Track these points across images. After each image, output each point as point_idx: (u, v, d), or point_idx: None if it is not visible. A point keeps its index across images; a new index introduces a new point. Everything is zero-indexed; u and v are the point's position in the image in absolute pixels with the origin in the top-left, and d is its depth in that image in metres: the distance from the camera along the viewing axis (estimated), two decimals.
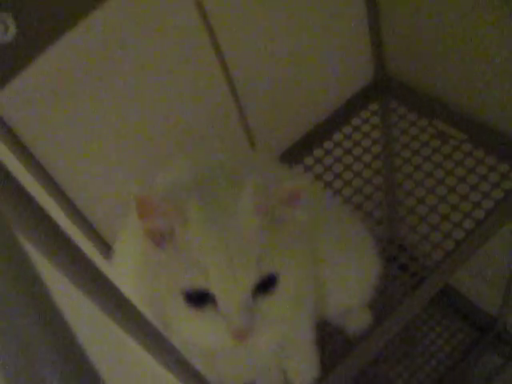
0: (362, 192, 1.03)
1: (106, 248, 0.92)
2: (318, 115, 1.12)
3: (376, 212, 1.01)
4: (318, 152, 1.08)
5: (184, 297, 0.56)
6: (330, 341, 0.91)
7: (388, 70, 1.15)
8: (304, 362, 0.85)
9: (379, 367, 1.42)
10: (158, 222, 0.55)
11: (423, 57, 1.09)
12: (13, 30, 0.37)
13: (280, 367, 0.84)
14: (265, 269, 0.56)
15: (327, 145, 1.09)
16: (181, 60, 0.87)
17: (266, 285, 0.57)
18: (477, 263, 1.33)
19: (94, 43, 0.76)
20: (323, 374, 0.85)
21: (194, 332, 0.58)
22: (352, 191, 1.03)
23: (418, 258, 0.96)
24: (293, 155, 1.08)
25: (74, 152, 0.85)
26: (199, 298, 0.56)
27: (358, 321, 0.91)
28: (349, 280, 0.81)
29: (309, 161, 1.07)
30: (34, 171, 0.80)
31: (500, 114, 1.01)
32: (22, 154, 0.77)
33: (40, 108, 0.76)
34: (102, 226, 0.92)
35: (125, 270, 0.64)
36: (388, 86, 1.15)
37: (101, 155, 0.87)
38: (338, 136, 1.11)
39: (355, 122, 1.12)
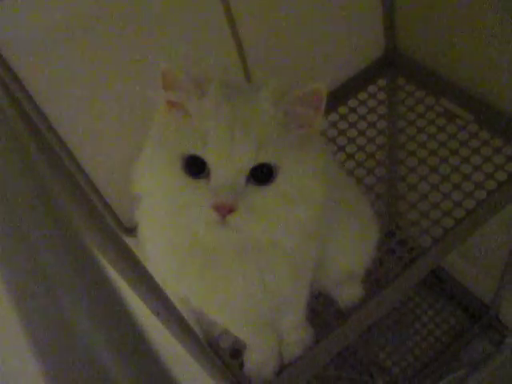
0: (364, 166, 1.02)
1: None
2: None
3: (377, 187, 1.00)
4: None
5: (182, 163, 0.57)
6: (323, 312, 0.91)
7: (399, 47, 1.14)
8: (298, 330, 0.85)
9: (369, 347, 1.42)
10: (177, 93, 0.58)
11: (434, 35, 1.07)
12: None
13: (274, 335, 0.84)
14: (264, 156, 0.56)
15: (332, 117, 1.08)
16: (195, 27, 0.86)
17: (263, 178, 0.57)
18: (473, 250, 1.33)
19: None
20: (315, 343, 0.85)
21: (182, 203, 0.57)
22: (354, 164, 1.02)
23: (415, 236, 0.95)
24: None
25: (79, 107, 0.84)
26: (195, 169, 0.57)
27: (350, 294, 0.91)
28: (350, 244, 0.81)
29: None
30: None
31: (508, 96, 1.00)
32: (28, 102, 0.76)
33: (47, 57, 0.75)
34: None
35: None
36: (397, 63, 1.14)
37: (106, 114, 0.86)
38: (343, 109, 1.09)
39: (362, 96, 1.11)
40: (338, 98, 1.11)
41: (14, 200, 0.34)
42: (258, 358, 0.84)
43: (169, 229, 0.62)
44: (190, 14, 0.86)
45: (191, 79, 0.58)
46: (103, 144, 0.91)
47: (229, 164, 0.55)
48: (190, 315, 0.76)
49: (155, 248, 0.67)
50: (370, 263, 0.87)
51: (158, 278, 0.52)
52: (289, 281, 0.67)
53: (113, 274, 0.38)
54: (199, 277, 0.64)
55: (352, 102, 1.10)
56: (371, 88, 1.12)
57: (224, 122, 0.56)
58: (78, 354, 0.30)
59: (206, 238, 0.59)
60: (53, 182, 0.39)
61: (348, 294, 0.90)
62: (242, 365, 0.86)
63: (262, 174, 0.57)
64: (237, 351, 0.87)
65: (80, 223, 0.42)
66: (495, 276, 1.33)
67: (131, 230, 0.95)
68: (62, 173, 0.40)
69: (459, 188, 0.95)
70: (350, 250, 0.82)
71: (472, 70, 1.04)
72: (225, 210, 0.55)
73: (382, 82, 1.13)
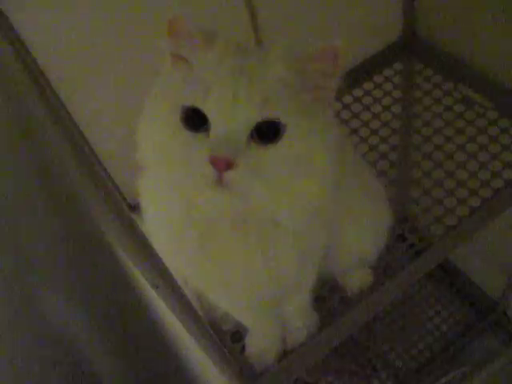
0: (377, 150, 0.99)
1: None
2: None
3: (390, 172, 0.97)
4: (336, 105, 1.04)
5: (181, 115, 0.53)
6: (328, 298, 0.88)
7: (417, 30, 1.11)
8: (302, 316, 0.82)
9: (373, 340, 1.39)
10: (183, 43, 0.54)
11: (453, 19, 1.04)
12: None
13: (277, 320, 0.82)
14: (270, 113, 0.52)
15: (346, 99, 1.05)
16: None
17: (268, 137, 0.53)
18: (484, 245, 1.30)
19: None
20: (319, 330, 0.82)
21: (179, 159, 0.54)
22: (367, 148, 0.99)
23: (427, 224, 0.92)
24: None
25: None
26: (195, 123, 0.53)
27: (359, 280, 0.88)
28: (363, 229, 0.78)
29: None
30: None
31: None
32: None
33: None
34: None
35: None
36: (415, 46, 1.11)
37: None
38: (358, 91, 1.06)
39: (378, 78, 1.08)
40: (353, 80, 1.07)
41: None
42: (260, 342, 0.82)
43: (167, 196, 0.59)
44: None
45: (199, 30, 0.55)
46: (107, 119, 0.88)
47: (230, 117, 0.51)
48: (191, 295, 0.73)
49: (153, 221, 0.64)
50: (382, 248, 0.84)
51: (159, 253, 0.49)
52: (293, 263, 0.63)
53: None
54: (197, 251, 0.61)
55: (367, 85, 1.07)
56: (387, 71, 1.09)
57: (228, 73, 0.52)
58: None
59: (203, 205, 0.56)
60: (61, 153, 0.37)
61: (357, 280, 0.88)
62: (243, 349, 0.83)
63: (266, 132, 0.53)
64: (239, 334, 0.85)
65: (84, 193, 0.40)
66: (505, 272, 1.30)
67: (134, 208, 0.92)
68: (69, 146, 0.38)
69: (475, 176, 0.92)
70: (363, 235, 0.79)
71: (492, 56, 1.01)
72: (222, 165, 0.50)
73: (398, 66, 1.10)
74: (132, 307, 0.31)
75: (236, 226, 0.59)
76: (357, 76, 1.08)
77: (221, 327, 0.85)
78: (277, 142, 0.53)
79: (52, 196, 0.31)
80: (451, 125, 0.99)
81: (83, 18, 0.77)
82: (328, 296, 0.88)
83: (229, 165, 0.50)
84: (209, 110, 0.52)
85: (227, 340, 0.85)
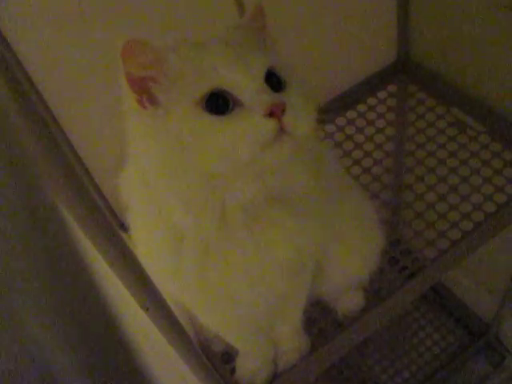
0: (370, 172, 0.99)
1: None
2: (334, 90, 1.08)
3: (382, 194, 0.97)
4: (329, 127, 1.05)
5: (204, 108, 0.53)
6: (320, 321, 0.88)
7: (411, 53, 1.12)
8: (294, 338, 0.82)
9: (365, 361, 1.39)
10: (146, 60, 0.53)
11: (448, 44, 1.05)
12: None
13: (269, 342, 0.81)
14: (268, 61, 0.55)
15: (340, 121, 1.06)
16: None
17: (277, 85, 0.56)
18: (476, 266, 1.30)
19: None
20: (311, 352, 0.82)
21: (220, 147, 0.53)
22: (361, 170, 0.99)
23: (419, 247, 0.92)
24: None
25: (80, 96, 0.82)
26: (220, 105, 0.53)
27: (351, 303, 0.88)
28: (354, 250, 0.78)
29: (319, 135, 1.03)
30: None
31: None
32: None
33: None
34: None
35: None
36: (409, 69, 1.11)
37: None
38: (352, 113, 1.07)
39: (371, 101, 1.08)
40: (346, 102, 1.08)
41: None
42: (251, 364, 0.81)
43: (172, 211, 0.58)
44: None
45: (152, 48, 0.54)
46: (99, 135, 0.88)
47: (251, 77, 0.53)
48: (181, 315, 0.73)
49: (147, 242, 0.63)
50: (374, 271, 0.84)
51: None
52: (286, 265, 0.64)
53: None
54: (196, 267, 0.61)
55: (361, 107, 1.08)
56: (381, 94, 1.10)
57: (223, 47, 0.55)
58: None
59: (263, 162, 0.54)
60: (48, 170, 0.36)
61: (349, 302, 0.87)
62: (233, 370, 0.83)
63: (275, 82, 0.56)
64: (229, 356, 0.84)
65: (71, 211, 0.39)
66: (497, 295, 1.30)
67: (125, 226, 0.92)
68: (59, 162, 0.37)
69: (467, 200, 0.92)
70: (355, 257, 0.79)
71: (485, 80, 1.01)
72: (279, 110, 0.52)
73: (392, 88, 1.11)
74: (110, 331, 0.31)
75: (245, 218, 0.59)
76: (350, 98, 1.09)
77: (211, 348, 0.84)
78: (286, 88, 0.56)
79: (33, 213, 0.31)
80: (444, 148, 1.00)
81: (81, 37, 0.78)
82: (319, 318, 0.88)
83: (283, 107, 0.52)
84: (229, 82, 0.53)
85: (217, 360, 0.84)
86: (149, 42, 0.53)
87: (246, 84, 0.53)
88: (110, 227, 0.42)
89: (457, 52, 1.04)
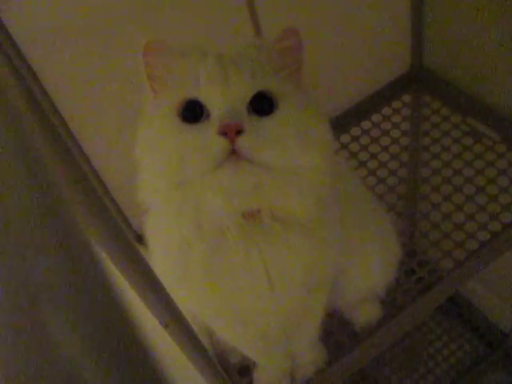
0: (385, 183, 0.99)
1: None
2: (349, 100, 1.08)
3: (398, 205, 0.97)
4: (344, 137, 1.05)
5: (178, 112, 0.55)
6: (337, 333, 0.87)
7: (425, 63, 1.11)
8: (311, 350, 0.82)
9: (381, 371, 1.38)
10: (160, 62, 0.57)
11: (462, 52, 1.05)
12: None
13: (286, 355, 0.81)
14: (261, 84, 0.55)
15: (354, 131, 1.06)
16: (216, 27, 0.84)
17: (265, 109, 0.55)
18: (493, 276, 1.29)
19: None
20: (328, 365, 0.81)
21: (184, 152, 0.54)
22: (376, 181, 0.99)
23: (436, 258, 0.91)
24: None
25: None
26: (193, 116, 0.55)
27: (368, 315, 0.87)
28: (371, 262, 0.78)
29: (335, 145, 1.03)
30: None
31: None
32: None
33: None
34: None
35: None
36: (423, 79, 1.11)
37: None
38: (367, 123, 1.07)
39: (386, 111, 1.08)
40: (361, 112, 1.08)
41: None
42: (268, 377, 0.81)
43: (173, 218, 0.58)
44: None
45: (172, 50, 0.58)
46: (115, 148, 0.89)
47: (226, 95, 0.54)
48: (199, 328, 0.73)
49: (159, 256, 0.64)
50: (391, 283, 0.84)
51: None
52: (300, 273, 0.62)
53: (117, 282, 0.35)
54: (205, 273, 0.60)
55: (376, 117, 1.08)
56: (396, 103, 1.10)
57: (213, 60, 0.55)
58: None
59: (215, 195, 0.55)
60: (65, 184, 0.36)
61: (366, 314, 0.87)
62: (251, 383, 0.82)
63: (262, 106, 0.55)
64: (246, 368, 0.84)
65: (90, 226, 0.39)
66: None
67: (142, 238, 0.92)
68: (75, 176, 0.38)
69: (484, 210, 0.91)
70: (371, 268, 0.79)
71: (500, 89, 1.01)
72: (232, 131, 0.51)
73: (406, 98, 1.10)
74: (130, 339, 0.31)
75: (246, 229, 0.58)
76: (365, 108, 1.08)
77: (228, 360, 0.84)
78: (274, 113, 0.55)
79: (55, 229, 0.31)
80: (459, 157, 0.99)
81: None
82: (336, 330, 0.87)
83: (238, 131, 0.51)
84: (204, 95, 0.54)
85: (234, 373, 0.84)
86: (165, 45, 0.58)
87: (217, 99, 0.54)
88: (128, 242, 0.43)
89: (471, 61, 1.04)
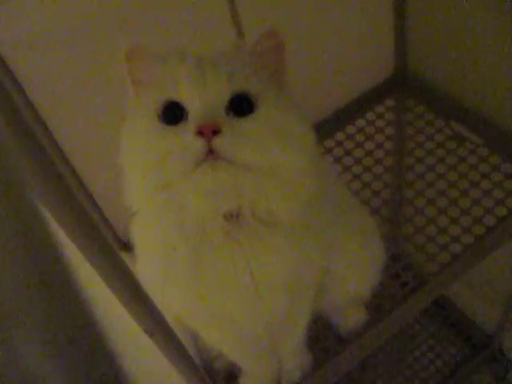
0: (370, 187, 0.99)
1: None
2: (333, 105, 1.08)
3: (383, 209, 0.97)
4: (328, 142, 1.05)
5: (159, 113, 0.56)
6: (322, 337, 0.87)
7: (408, 67, 1.12)
8: (297, 356, 0.82)
9: (367, 375, 1.38)
10: (142, 66, 0.58)
11: (445, 57, 1.05)
12: None
13: (272, 360, 0.81)
14: (240, 85, 0.55)
15: (339, 136, 1.06)
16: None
17: (244, 110, 0.55)
18: (478, 278, 1.30)
19: None
20: (313, 370, 0.81)
21: (163, 153, 0.54)
22: (360, 185, 0.99)
23: (420, 261, 0.92)
24: None
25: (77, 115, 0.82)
26: (173, 117, 0.55)
27: (353, 319, 0.88)
28: (356, 266, 0.78)
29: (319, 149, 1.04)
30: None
31: None
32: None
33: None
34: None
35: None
36: (407, 83, 1.12)
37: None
38: (351, 128, 1.07)
39: (370, 116, 1.09)
40: (345, 117, 1.08)
41: None
42: (254, 383, 0.81)
43: (157, 219, 0.59)
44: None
45: (153, 53, 0.59)
46: (99, 155, 0.88)
47: (203, 96, 0.54)
48: (184, 336, 0.72)
49: (143, 259, 0.64)
50: (376, 287, 0.84)
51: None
52: (282, 286, 0.63)
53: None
54: (190, 275, 0.60)
55: (360, 122, 1.08)
56: (379, 108, 1.10)
57: (192, 62, 0.56)
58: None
59: (195, 195, 0.55)
60: (45, 190, 0.36)
61: (351, 319, 0.87)
62: None
63: (241, 107, 0.55)
64: (232, 375, 0.84)
65: (71, 233, 0.39)
66: (499, 307, 1.30)
67: (127, 246, 0.92)
68: (57, 183, 0.37)
69: (468, 213, 0.92)
70: (356, 273, 0.79)
71: (483, 93, 1.02)
72: (209, 131, 0.51)
73: (390, 103, 1.11)
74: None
75: (229, 230, 0.58)
76: (349, 113, 1.09)
77: (214, 367, 0.84)
78: (253, 113, 0.56)
79: (26, 235, 0.31)
80: (443, 161, 1.00)
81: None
82: (321, 335, 0.87)
83: (215, 131, 0.52)
84: (183, 96, 0.55)
85: (220, 380, 0.84)
86: (146, 49, 0.59)
87: (195, 100, 0.54)
88: (111, 250, 0.42)
89: (454, 65, 1.04)
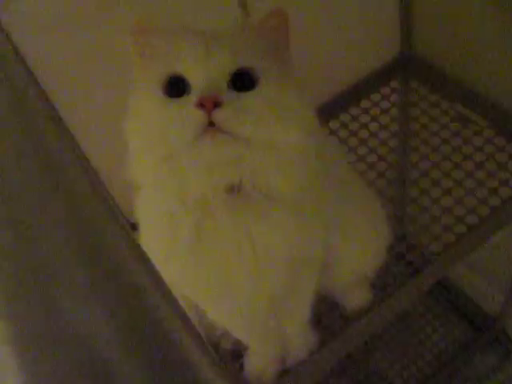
0: (375, 168, 0.99)
1: None
2: (338, 86, 1.08)
3: (388, 190, 0.97)
4: (333, 123, 1.05)
5: (163, 89, 0.56)
6: (327, 316, 0.88)
7: (413, 49, 1.12)
8: (302, 334, 0.82)
9: (371, 356, 1.39)
10: (149, 40, 0.59)
11: (450, 39, 1.05)
12: None
13: (277, 338, 0.81)
14: (242, 61, 0.56)
15: (343, 117, 1.06)
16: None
17: (245, 86, 0.56)
18: (481, 260, 1.30)
19: None
20: (319, 348, 0.82)
21: (165, 125, 0.55)
22: (365, 167, 0.99)
23: (425, 241, 0.92)
24: None
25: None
26: (177, 91, 0.56)
27: (358, 298, 0.88)
28: (361, 245, 0.78)
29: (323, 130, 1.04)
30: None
31: None
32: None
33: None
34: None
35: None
36: (411, 65, 1.11)
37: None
38: (355, 110, 1.07)
39: (375, 97, 1.09)
40: (349, 98, 1.08)
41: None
42: (260, 361, 0.82)
43: (160, 192, 0.60)
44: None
45: (162, 27, 0.60)
46: (106, 136, 0.89)
47: (206, 69, 0.55)
48: (191, 313, 0.73)
49: (147, 233, 0.64)
50: (381, 266, 0.84)
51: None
52: (283, 259, 0.64)
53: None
54: (192, 247, 0.61)
55: (364, 103, 1.08)
56: (384, 89, 1.10)
57: (196, 37, 0.57)
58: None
59: (196, 165, 0.56)
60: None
61: (356, 298, 0.87)
62: (242, 367, 0.83)
63: (243, 82, 0.56)
64: (238, 352, 0.84)
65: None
66: (503, 288, 1.30)
67: (134, 227, 0.92)
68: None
69: (473, 194, 0.92)
70: (361, 252, 0.79)
71: (488, 75, 1.02)
72: (210, 103, 0.52)
73: (395, 84, 1.11)
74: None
75: (231, 203, 0.59)
76: (354, 94, 1.09)
77: (220, 345, 0.85)
78: (254, 89, 0.56)
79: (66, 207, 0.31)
80: (448, 143, 1.00)
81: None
82: (326, 314, 0.88)
83: (216, 103, 0.53)
84: (186, 69, 0.56)
85: (227, 357, 0.85)
86: (152, 23, 0.60)
87: (198, 73, 0.55)
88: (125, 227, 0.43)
89: (460, 47, 1.04)
